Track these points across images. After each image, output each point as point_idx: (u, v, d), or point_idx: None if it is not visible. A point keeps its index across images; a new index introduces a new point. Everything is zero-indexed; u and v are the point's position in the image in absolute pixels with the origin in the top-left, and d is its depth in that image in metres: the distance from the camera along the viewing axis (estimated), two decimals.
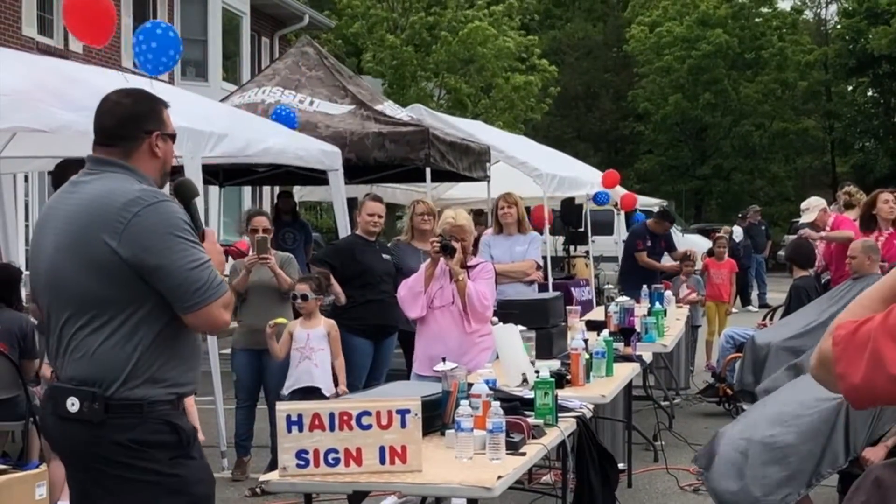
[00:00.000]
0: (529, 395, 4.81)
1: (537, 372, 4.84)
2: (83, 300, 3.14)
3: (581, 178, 14.98)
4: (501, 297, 7.47)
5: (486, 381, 4.68)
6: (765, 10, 42.07)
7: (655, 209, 21.88)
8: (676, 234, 13.50)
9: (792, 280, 9.28)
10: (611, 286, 11.32)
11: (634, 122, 43.65)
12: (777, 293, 18.61)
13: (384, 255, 7.95)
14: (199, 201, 3.56)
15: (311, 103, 11.16)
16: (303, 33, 18.48)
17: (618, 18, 46.62)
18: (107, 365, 3.13)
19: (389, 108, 11.62)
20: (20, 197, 13.99)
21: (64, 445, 3.27)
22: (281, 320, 7.04)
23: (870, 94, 42.33)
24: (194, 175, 7.02)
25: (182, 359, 3.26)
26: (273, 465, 5.77)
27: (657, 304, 8.72)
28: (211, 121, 7.91)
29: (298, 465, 3.82)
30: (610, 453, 5.40)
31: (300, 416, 3.81)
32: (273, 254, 7.30)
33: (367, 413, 3.82)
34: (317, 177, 10.77)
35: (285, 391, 6.89)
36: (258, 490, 6.78)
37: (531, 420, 4.54)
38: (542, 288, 10.27)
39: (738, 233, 21.53)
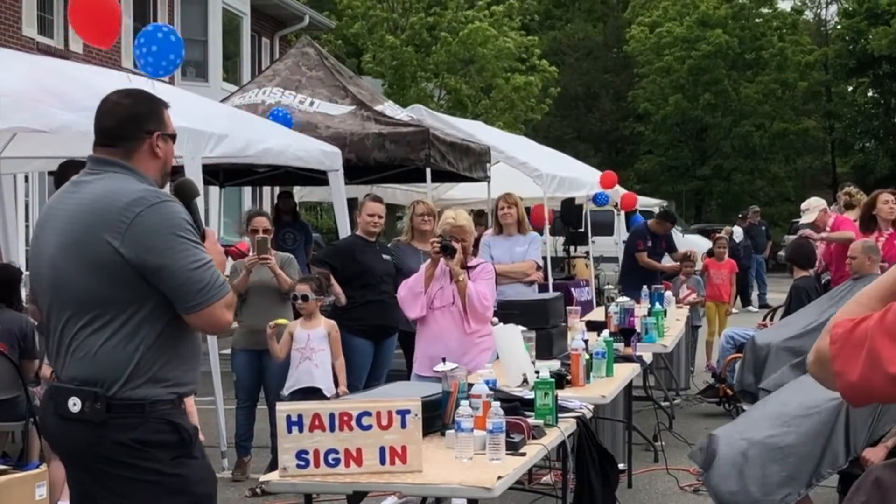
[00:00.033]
0: (529, 395, 4.81)
1: (537, 372, 4.84)
2: (85, 300, 3.14)
3: (581, 179, 14.98)
4: (501, 297, 7.47)
5: (487, 382, 4.68)
6: (765, 10, 42.08)
7: (655, 210, 21.99)
8: (677, 234, 13.50)
9: (792, 280, 9.28)
10: (611, 287, 11.31)
11: (634, 123, 43.66)
12: (777, 293, 18.61)
13: (384, 256, 7.95)
14: (199, 202, 3.57)
15: (312, 104, 11.16)
16: (303, 34, 18.48)
17: (618, 19, 46.63)
18: (108, 365, 3.13)
19: (390, 108, 11.62)
20: (20, 197, 14.00)
21: (65, 445, 3.27)
22: (282, 321, 7.04)
23: (870, 94, 42.33)
24: (194, 175, 7.02)
25: (183, 358, 3.26)
26: (273, 466, 5.77)
27: (657, 305, 8.72)
28: (211, 121, 7.92)
29: (299, 466, 3.82)
30: (610, 454, 5.40)
31: (300, 416, 3.81)
32: (273, 254, 7.30)
33: (368, 413, 3.82)
34: (317, 177, 10.77)
35: (286, 392, 6.89)
36: (258, 490, 6.78)
37: (531, 420, 4.54)
38: (543, 288, 10.27)
39: (738, 233, 21.54)
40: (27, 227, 13.75)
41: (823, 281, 9.56)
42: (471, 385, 4.58)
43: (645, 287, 9.90)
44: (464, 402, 4.22)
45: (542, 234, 10.84)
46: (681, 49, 39.58)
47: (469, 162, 11.65)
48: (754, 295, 21.76)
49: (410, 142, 10.57)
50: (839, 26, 42.51)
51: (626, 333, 7.12)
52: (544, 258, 11.02)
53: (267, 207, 19.02)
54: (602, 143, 46.09)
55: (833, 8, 47.61)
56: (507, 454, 4.12)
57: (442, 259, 6.20)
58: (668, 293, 9.97)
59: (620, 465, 6.22)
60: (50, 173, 10.86)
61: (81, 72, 8.24)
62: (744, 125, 40.18)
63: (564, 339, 6.81)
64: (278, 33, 24.22)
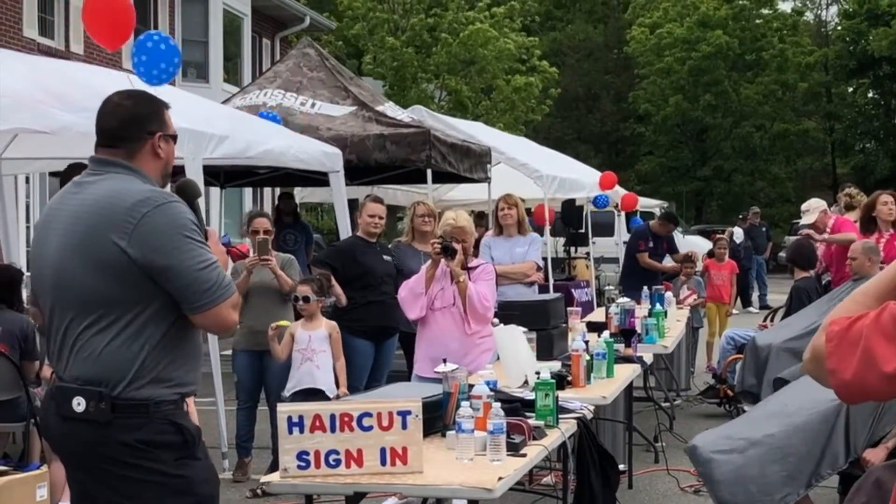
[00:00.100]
0: (530, 396, 4.81)
1: (538, 373, 4.84)
2: (89, 300, 3.15)
3: (582, 180, 14.97)
4: (501, 298, 7.47)
5: (487, 383, 4.68)
6: (765, 11, 42.07)
7: (656, 211, 22.01)
8: (677, 235, 13.49)
9: (793, 281, 9.28)
10: (611, 287, 11.33)
11: (635, 124, 43.67)
12: (778, 294, 18.62)
13: (385, 257, 7.96)
14: (200, 202, 3.57)
15: (313, 105, 11.16)
16: (304, 35, 18.47)
17: (618, 20, 46.63)
18: (113, 365, 3.13)
19: (390, 109, 11.63)
20: (21, 198, 14.01)
21: (67, 446, 3.27)
22: (283, 323, 7.05)
23: (870, 95, 42.32)
24: (195, 176, 7.02)
25: (185, 358, 3.27)
26: (274, 467, 5.77)
27: (658, 306, 8.72)
28: (212, 122, 7.92)
29: (299, 467, 3.83)
30: (610, 454, 5.41)
31: (301, 417, 3.82)
32: (274, 255, 7.31)
33: (368, 414, 3.82)
34: (318, 178, 10.77)
35: (287, 393, 6.90)
36: (259, 491, 6.77)
37: (532, 421, 4.54)
38: (543, 289, 10.28)
39: (738, 234, 21.55)
40: (28, 227, 13.76)
41: (824, 282, 9.56)
42: (471, 386, 4.59)
43: (645, 288, 9.90)
44: (464, 403, 4.23)
45: (542, 234, 10.84)
46: (681, 50, 39.59)
47: (470, 163, 11.66)
48: (755, 296, 21.77)
49: (411, 143, 10.57)
50: (839, 27, 42.52)
51: (627, 334, 7.13)
52: (545, 259, 11.02)
53: (268, 208, 19.03)
54: (602, 144, 46.10)
55: (833, 9, 47.69)
56: (508, 455, 4.12)
57: (442, 260, 6.20)
58: (669, 294, 9.98)
59: (621, 466, 6.23)
60: (51, 174, 10.87)
61: (82, 72, 8.24)
62: (744, 126, 40.19)
63: (565, 339, 6.82)
64: (279, 34, 24.22)
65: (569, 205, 16.63)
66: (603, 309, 9.23)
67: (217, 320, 3.23)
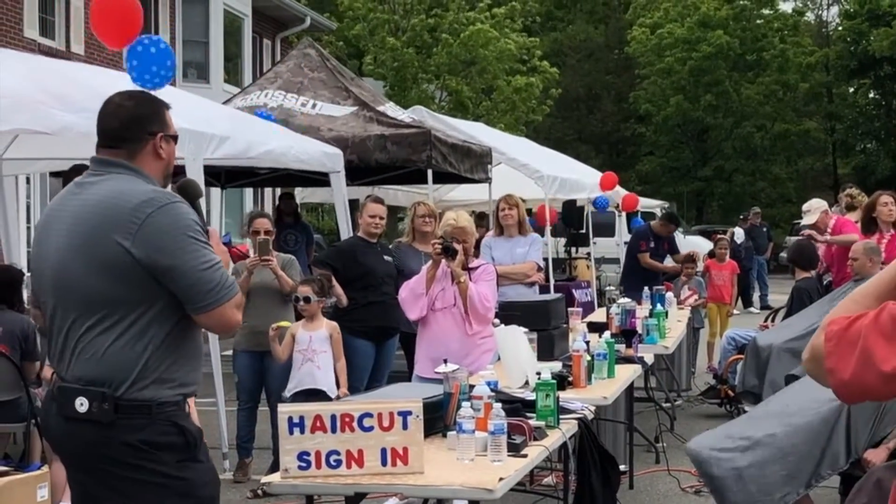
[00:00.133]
0: (531, 396, 4.81)
1: (539, 374, 4.84)
2: (92, 300, 3.15)
3: (582, 181, 14.97)
4: (502, 298, 7.47)
5: (488, 383, 4.68)
6: (766, 11, 42.06)
7: (657, 211, 22.01)
8: (678, 235, 13.49)
9: (794, 281, 9.28)
10: (612, 288, 11.31)
11: (636, 124, 43.66)
12: (778, 295, 18.62)
13: (386, 257, 7.96)
14: (201, 202, 3.58)
15: (314, 106, 11.16)
16: (304, 35, 18.48)
17: (619, 20, 46.63)
18: (116, 365, 3.13)
19: (391, 109, 11.63)
20: (22, 199, 14.01)
21: (68, 446, 3.26)
22: (284, 323, 7.04)
23: (871, 95, 42.32)
24: (196, 176, 7.01)
25: (187, 358, 3.27)
26: (275, 467, 5.77)
27: (659, 306, 8.72)
28: (213, 123, 7.92)
29: (300, 467, 3.83)
30: (611, 455, 5.41)
31: (302, 417, 3.82)
32: (275, 255, 7.31)
33: (369, 415, 3.82)
34: (318, 178, 10.77)
35: (287, 393, 6.89)
36: (260, 492, 6.77)
37: (533, 422, 4.54)
38: (544, 290, 10.28)
39: (739, 234, 21.55)
40: (28, 228, 13.76)
41: (825, 282, 9.56)
42: (472, 386, 4.59)
43: (646, 288, 9.90)
44: (465, 404, 4.23)
45: (542, 235, 10.84)
46: (682, 50, 39.58)
47: (470, 163, 11.66)
48: (755, 296, 21.77)
49: (412, 143, 10.57)
50: (840, 27, 42.51)
51: (628, 335, 7.13)
52: (545, 259, 11.01)
53: (268, 209, 19.04)
54: (603, 145, 46.09)
55: (834, 9, 47.71)
56: (509, 455, 4.12)
57: (443, 260, 6.20)
58: (670, 294, 9.98)
59: (622, 467, 6.23)
60: (52, 174, 10.89)
61: (82, 73, 8.24)
62: (745, 126, 40.18)
63: (566, 340, 6.82)
64: (279, 35, 24.22)
65: (569, 205, 16.63)
66: (604, 309, 9.23)
67: (221, 320, 3.24)
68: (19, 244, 9.38)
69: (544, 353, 6.13)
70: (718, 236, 14.53)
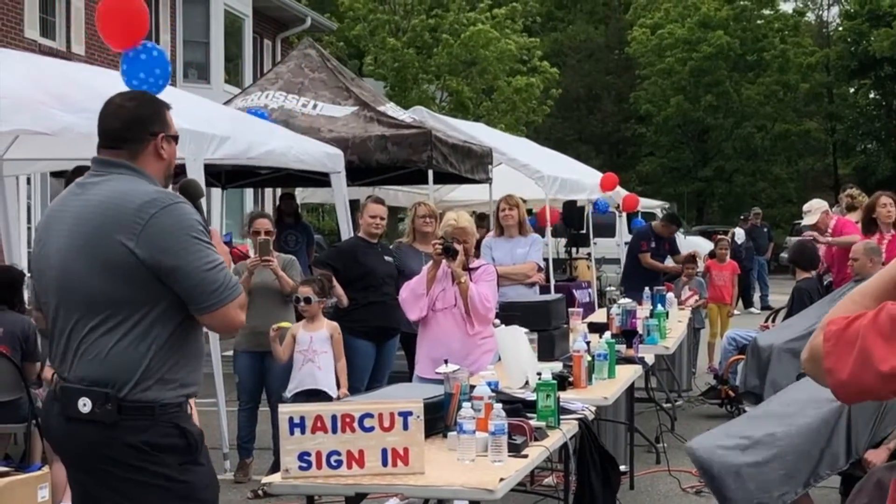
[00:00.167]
0: (531, 397, 4.81)
1: (539, 374, 4.84)
2: (96, 301, 3.15)
3: (583, 181, 14.98)
4: (503, 299, 7.47)
5: (489, 384, 4.68)
6: (766, 12, 42.06)
7: (657, 212, 22.00)
8: (678, 236, 13.51)
9: (794, 282, 9.28)
10: (612, 288, 11.32)
11: (636, 125, 43.67)
12: (779, 295, 18.62)
13: (386, 258, 7.96)
14: (202, 202, 3.58)
15: (315, 107, 11.16)
16: (305, 36, 18.48)
17: (619, 21, 46.63)
18: (120, 366, 3.13)
19: (392, 109, 11.63)
20: (22, 199, 14.00)
21: (70, 446, 3.26)
22: (284, 324, 7.04)
23: (872, 96, 42.32)
24: (196, 177, 6.99)
25: (189, 358, 3.28)
26: (275, 467, 5.78)
27: (659, 307, 8.72)
28: (213, 123, 7.92)
29: (301, 468, 3.83)
30: (612, 455, 5.40)
31: (302, 418, 3.82)
32: (275, 256, 7.31)
33: (370, 415, 3.83)
34: (319, 179, 10.78)
35: (288, 394, 6.89)
36: (260, 492, 6.76)
37: (533, 422, 4.54)
38: (544, 290, 10.28)
39: (739, 235, 21.55)
40: (29, 229, 13.75)
41: (825, 282, 9.56)
42: (473, 387, 4.59)
43: (647, 289, 9.90)
44: (466, 404, 4.23)
45: (543, 235, 10.84)
46: (682, 51, 39.58)
47: (471, 164, 11.66)
48: (756, 296, 21.78)
49: (412, 143, 10.57)
50: (841, 28, 42.50)
51: (628, 335, 7.13)
52: (546, 260, 11.01)
53: (269, 209, 19.03)
54: (604, 145, 46.09)
55: (835, 10, 47.70)
56: (509, 456, 4.12)
57: (444, 261, 6.21)
58: (670, 295, 9.98)
59: (622, 467, 6.22)
60: (52, 175, 10.87)
61: (83, 73, 8.24)
62: (745, 127, 40.18)
63: (566, 340, 6.82)
64: (280, 35, 24.22)
65: (570, 206, 16.63)
66: (604, 310, 9.23)
67: (225, 320, 3.25)
68: (20, 245, 9.38)
69: (545, 354, 6.13)
70: (719, 237, 14.54)
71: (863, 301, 2.11)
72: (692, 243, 20.78)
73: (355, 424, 3.81)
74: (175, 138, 3.42)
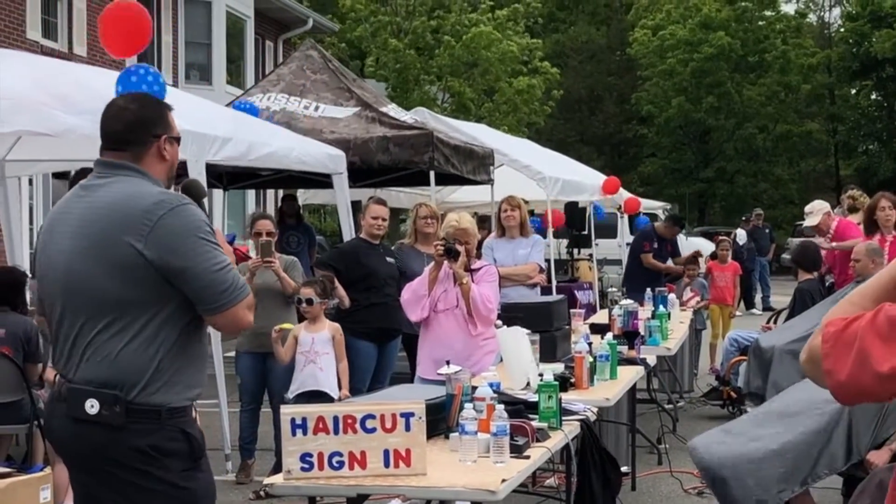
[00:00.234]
0: (533, 398, 4.81)
1: (541, 375, 4.85)
2: (104, 303, 3.15)
3: (584, 182, 14.98)
4: (504, 300, 7.47)
5: (490, 385, 4.68)
6: (768, 13, 42.05)
7: (659, 213, 22.00)
8: (680, 237, 13.51)
9: (796, 283, 9.28)
10: (614, 289, 11.32)
11: (638, 126, 43.66)
12: (781, 296, 18.61)
13: (388, 259, 7.96)
14: (204, 202, 3.58)
15: (317, 108, 11.17)
16: (307, 37, 18.50)
17: (621, 22, 46.63)
18: (129, 368, 3.13)
19: (393, 110, 11.64)
20: (25, 200, 14.00)
21: (74, 448, 3.25)
22: (286, 326, 7.04)
23: (873, 97, 42.31)
24: (198, 178, 7.01)
25: (193, 360, 3.28)
26: (277, 469, 5.77)
27: (661, 308, 8.71)
28: (215, 124, 7.92)
29: (303, 469, 3.83)
30: (613, 457, 5.40)
31: (304, 419, 3.82)
32: (277, 257, 7.31)
33: (372, 416, 3.83)
34: (321, 180, 10.78)
35: (290, 395, 6.89)
36: (262, 493, 6.78)
37: (535, 423, 4.54)
38: (546, 291, 10.27)
39: (741, 236, 21.55)
40: (31, 230, 13.75)
41: (827, 283, 9.56)
42: (475, 388, 4.59)
43: (649, 290, 9.90)
44: (468, 405, 4.23)
45: (545, 236, 10.84)
46: (684, 52, 39.58)
47: (472, 165, 11.66)
48: (758, 298, 21.77)
49: (414, 145, 10.58)
50: (842, 29, 42.49)
51: (630, 336, 7.13)
52: (547, 261, 11.01)
53: (271, 210, 19.03)
54: (605, 146, 46.09)
55: (836, 11, 47.68)
56: (511, 457, 4.12)
57: (445, 262, 6.21)
58: (672, 296, 9.97)
59: (624, 468, 6.23)
60: (55, 176, 10.89)
61: (84, 74, 8.24)
62: (747, 128, 40.17)
63: (568, 341, 6.81)
64: (282, 37, 24.23)
65: (572, 207, 16.64)
66: (606, 311, 9.23)
67: (234, 321, 3.26)
68: (22, 246, 9.37)
69: (546, 355, 6.13)
70: (720, 238, 14.55)
71: (861, 302, 2.11)
72: (694, 244, 20.78)
73: (357, 425, 3.82)
74: (177, 140, 3.42)
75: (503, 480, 3.85)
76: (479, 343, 6.26)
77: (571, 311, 7.74)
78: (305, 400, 6.51)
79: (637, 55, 41.40)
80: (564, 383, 5.39)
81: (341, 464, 3.82)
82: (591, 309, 13.23)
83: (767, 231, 23.29)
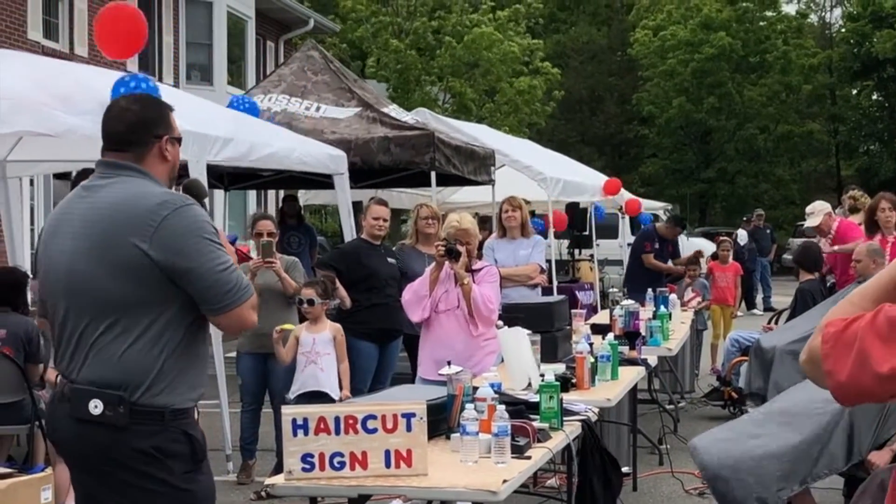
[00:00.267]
0: (534, 398, 4.81)
1: (542, 376, 4.84)
2: (108, 303, 3.15)
3: (585, 183, 14.98)
4: (505, 300, 7.47)
5: (492, 385, 4.68)
6: (769, 13, 42.05)
7: (660, 213, 21.99)
8: (681, 237, 13.51)
9: (797, 283, 9.28)
10: (615, 290, 11.33)
11: (639, 126, 43.66)
12: (782, 296, 18.61)
13: (389, 259, 7.96)
14: (205, 202, 3.59)
15: (318, 109, 11.17)
16: (308, 37, 18.50)
17: (622, 22, 46.64)
18: (133, 369, 3.13)
19: (395, 111, 11.64)
20: (26, 201, 14.01)
21: (77, 448, 3.25)
22: (287, 326, 7.04)
23: (874, 97, 42.29)
24: (199, 179, 7.02)
25: (196, 361, 3.29)
26: (278, 469, 5.77)
27: (662, 308, 8.71)
28: (216, 125, 7.92)
29: (304, 469, 3.83)
30: (614, 458, 5.41)
31: (305, 419, 3.82)
32: (278, 258, 7.31)
33: (373, 417, 3.83)
34: (322, 181, 10.78)
35: (291, 395, 6.89)
36: (263, 493, 6.78)
37: (536, 424, 4.54)
38: (547, 291, 10.27)
39: (742, 236, 21.54)
40: (32, 230, 13.76)
41: (829, 284, 9.56)
42: (476, 388, 4.59)
43: (650, 290, 9.91)
44: (469, 406, 4.23)
45: (546, 237, 10.84)
46: (685, 52, 39.58)
47: (474, 165, 11.66)
48: (759, 298, 21.76)
49: (415, 145, 10.58)
50: (843, 29, 42.46)
51: (631, 336, 7.13)
52: (549, 261, 11.01)
53: (272, 211, 19.03)
54: (606, 147, 46.08)
55: (837, 11, 47.68)
56: (513, 457, 4.12)
57: (446, 262, 6.21)
58: (673, 296, 9.97)
59: (625, 469, 6.23)
60: (56, 176, 10.89)
61: (86, 75, 8.24)
62: (748, 128, 40.16)
63: (569, 342, 6.81)
64: (283, 37, 24.24)
65: (573, 207, 16.64)
66: (607, 311, 9.23)
67: (238, 321, 3.26)
68: (23, 246, 9.38)
69: (548, 355, 6.13)
70: (722, 238, 14.54)
71: (861, 303, 2.11)
72: (695, 245, 20.78)
73: (358, 426, 3.82)
74: (179, 140, 3.43)
75: (504, 481, 3.85)
76: (481, 343, 6.26)
77: (572, 311, 7.74)
78: (306, 400, 6.51)
79: (638, 56, 41.41)
80: (565, 384, 5.39)
81: (342, 464, 3.82)
82: (592, 309, 13.22)
83: (768, 231, 23.29)
